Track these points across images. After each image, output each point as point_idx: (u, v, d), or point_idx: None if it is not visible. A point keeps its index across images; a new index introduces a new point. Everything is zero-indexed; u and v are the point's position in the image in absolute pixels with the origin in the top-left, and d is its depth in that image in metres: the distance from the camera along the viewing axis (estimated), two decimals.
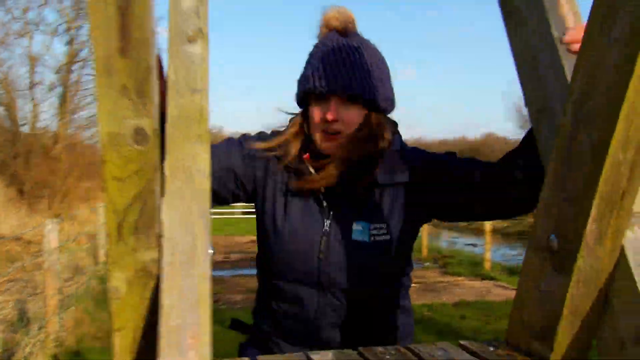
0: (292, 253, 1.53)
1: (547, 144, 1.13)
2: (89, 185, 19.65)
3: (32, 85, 19.21)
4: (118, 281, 0.81)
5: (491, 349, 1.09)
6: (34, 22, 19.22)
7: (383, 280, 1.58)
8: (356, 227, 1.52)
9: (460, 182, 1.53)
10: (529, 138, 1.32)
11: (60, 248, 7.32)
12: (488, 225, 11.49)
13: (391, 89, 1.58)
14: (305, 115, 1.58)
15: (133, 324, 0.84)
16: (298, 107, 1.64)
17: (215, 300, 7.98)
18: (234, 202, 1.66)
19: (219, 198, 1.58)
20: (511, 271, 10.99)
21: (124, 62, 0.71)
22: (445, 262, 12.11)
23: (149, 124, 0.75)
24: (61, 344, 6.33)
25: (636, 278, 0.91)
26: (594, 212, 0.90)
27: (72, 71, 20.06)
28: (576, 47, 1.08)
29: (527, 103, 1.20)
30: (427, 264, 11.97)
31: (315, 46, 1.58)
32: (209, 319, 0.79)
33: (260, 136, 1.63)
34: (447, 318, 7.51)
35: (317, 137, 1.53)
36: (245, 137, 1.63)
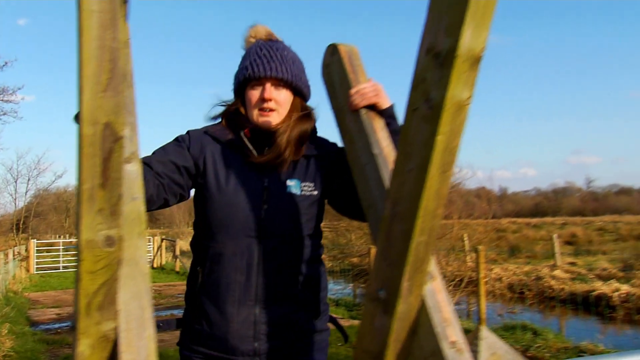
0: (236, 205, 1.53)
1: (373, 227, 1.41)
2: None
3: None
4: (84, 346, 0.91)
5: None
6: None
7: (310, 231, 1.63)
8: (290, 183, 1.61)
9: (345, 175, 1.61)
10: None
11: None
12: None
13: (307, 81, 1.73)
14: (242, 102, 1.67)
15: None
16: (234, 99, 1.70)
17: None
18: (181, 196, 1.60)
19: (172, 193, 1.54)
20: (337, 303, 11.46)
21: (103, 193, 0.84)
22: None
23: (117, 232, 0.88)
24: None
25: (430, 315, 1.20)
26: (406, 274, 1.18)
27: None
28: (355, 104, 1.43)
29: (360, 198, 1.48)
30: None
31: (249, 49, 1.69)
32: None
33: (204, 127, 1.68)
34: None
35: (255, 114, 1.62)
36: (188, 132, 1.66)
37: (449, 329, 1.18)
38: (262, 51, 1.64)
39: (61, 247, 23.24)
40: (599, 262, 15.31)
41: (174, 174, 1.53)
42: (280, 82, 1.63)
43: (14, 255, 17.49)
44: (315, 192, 1.64)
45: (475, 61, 1.05)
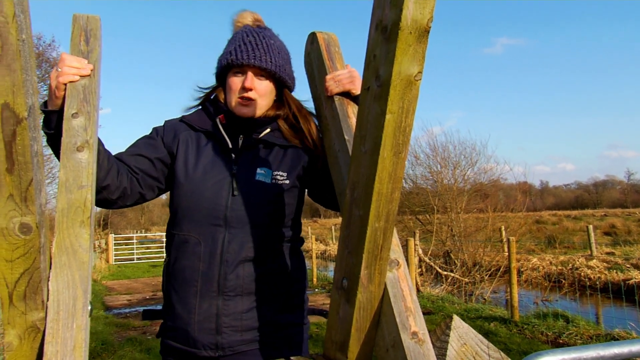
0: (202, 192, 1.39)
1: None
2: None
3: None
4: (11, 337, 0.82)
5: None
6: None
7: (280, 220, 1.46)
8: (260, 171, 1.45)
9: (322, 166, 1.47)
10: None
11: None
12: None
13: (292, 72, 1.57)
14: (222, 87, 1.53)
15: None
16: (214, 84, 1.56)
17: (143, 332, 7.50)
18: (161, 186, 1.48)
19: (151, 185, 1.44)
20: None
21: (10, 178, 0.76)
22: (331, 288, 12.07)
23: (33, 219, 0.79)
24: None
25: (392, 304, 1.04)
26: (364, 261, 1.04)
27: None
28: (330, 90, 1.31)
29: (334, 184, 1.34)
30: (316, 290, 11.95)
31: (235, 33, 1.54)
32: (84, 359, 0.83)
33: (182, 115, 1.55)
34: None
35: (234, 102, 1.47)
36: (164, 122, 1.53)
37: (411, 318, 1.02)
38: (248, 37, 1.48)
39: (135, 241, 24.17)
40: (637, 252, 14.26)
41: (147, 167, 1.42)
42: (262, 72, 1.47)
43: (94, 248, 18.30)
44: (287, 182, 1.46)
45: (422, 33, 0.89)
